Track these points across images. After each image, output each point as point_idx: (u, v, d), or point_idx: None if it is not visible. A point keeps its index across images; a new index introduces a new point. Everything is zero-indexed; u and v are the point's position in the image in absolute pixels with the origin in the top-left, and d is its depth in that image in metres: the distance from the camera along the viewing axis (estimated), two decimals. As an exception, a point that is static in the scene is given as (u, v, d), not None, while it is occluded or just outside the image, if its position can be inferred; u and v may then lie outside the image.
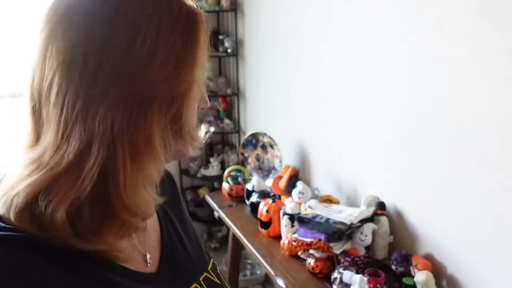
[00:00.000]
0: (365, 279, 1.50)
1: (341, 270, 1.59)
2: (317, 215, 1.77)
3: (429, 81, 1.56)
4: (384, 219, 1.79)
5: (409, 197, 1.75)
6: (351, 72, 1.97)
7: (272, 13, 2.60)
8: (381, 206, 1.82)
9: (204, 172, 3.43)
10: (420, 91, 1.62)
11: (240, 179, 2.49)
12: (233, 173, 2.52)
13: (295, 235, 1.81)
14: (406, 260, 1.66)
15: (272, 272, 1.81)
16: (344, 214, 1.76)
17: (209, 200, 2.54)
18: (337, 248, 1.70)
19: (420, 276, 1.55)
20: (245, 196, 2.39)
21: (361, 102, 1.94)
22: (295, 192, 2.04)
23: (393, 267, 1.68)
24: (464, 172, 1.47)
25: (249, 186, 2.37)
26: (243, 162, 2.69)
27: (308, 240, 1.74)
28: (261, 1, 2.71)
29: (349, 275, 1.52)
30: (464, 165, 1.47)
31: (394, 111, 1.76)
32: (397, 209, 1.82)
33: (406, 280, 1.62)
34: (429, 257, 1.67)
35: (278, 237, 2.04)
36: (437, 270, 1.63)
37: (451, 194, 1.54)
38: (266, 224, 2.08)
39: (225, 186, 2.50)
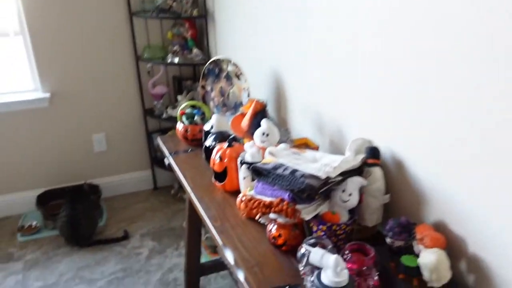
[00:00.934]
0: (342, 261, 0.99)
1: (307, 246, 1.07)
2: (280, 165, 1.24)
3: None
4: (377, 172, 1.26)
5: (413, 140, 1.20)
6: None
7: None
8: (373, 153, 1.28)
9: (171, 112, 2.89)
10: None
11: (197, 118, 1.94)
12: (188, 111, 1.97)
13: (252, 192, 1.29)
14: (407, 230, 1.14)
15: (219, 240, 1.31)
16: (318, 164, 1.22)
17: (161, 144, 2.01)
18: (306, 212, 1.18)
19: (427, 256, 1.04)
20: (202, 139, 1.86)
21: (348, 19, 1.35)
22: (257, 133, 1.50)
23: (388, 240, 1.16)
24: (498, 99, 0.92)
25: (207, 127, 1.83)
26: (204, 97, 2.13)
27: (267, 199, 1.22)
28: None
29: (319, 254, 1.01)
30: (493, 88, 0.91)
31: (389, 26, 1.18)
32: (396, 157, 1.28)
33: (406, 260, 1.11)
34: (441, 228, 1.15)
35: (238, 193, 1.52)
36: (452, 247, 1.12)
37: (476, 133, 0.99)
38: (220, 176, 1.56)
39: (179, 126, 1.96)
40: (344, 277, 0.99)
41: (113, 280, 2.32)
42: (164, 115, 2.89)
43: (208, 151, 1.69)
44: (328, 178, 1.17)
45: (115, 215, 2.91)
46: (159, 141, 2.03)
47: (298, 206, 1.17)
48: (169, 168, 1.95)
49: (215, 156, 1.55)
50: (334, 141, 1.54)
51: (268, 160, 1.28)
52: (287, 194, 1.17)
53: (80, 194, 2.71)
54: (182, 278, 2.28)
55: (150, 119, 3.04)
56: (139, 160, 3.18)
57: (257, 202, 1.23)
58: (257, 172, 1.26)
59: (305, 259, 1.09)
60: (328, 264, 0.99)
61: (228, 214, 1.44)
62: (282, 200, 1.18)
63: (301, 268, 1.11)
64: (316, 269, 1.09)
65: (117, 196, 3.14)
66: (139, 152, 3.17)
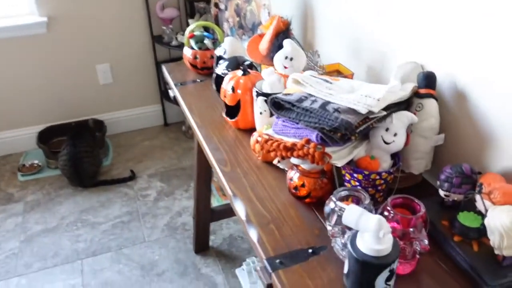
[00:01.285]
0: (386, 223, 0.74)
1: (338, 200, 0.82)
2: (307, 97, 0.96)
3: None
4: (432, 105, 0.98)
5: (483, 66, 0.90)
6: None
7: None
8: (428, 80, 0.99)
9: (182, 39, 2.58)
10: None
11: (208, 42, 1.65)
12: (197, 33, 1.67)
13: (270, 131, 1.03)
14: (470, 182, 0.87)
15: (228, 190, 1.07)
16: (356, 95, 0.94)
17: (165, 73, 1.74)
18: (339, 157, 0.92)
19: (498, 216, 0.78)
20: (214, 66, 1.58)
21: None
22: (278, 57, 1.21)
23: (443, 192, 0.90)
24: None
25: (219, 52, 1.54)
26: (216, 18, 1.82)
27: (289, 140, 0.96)
28: None
29: (355, 213, 0.75)
30: None
31: None
32: (458, 86, 0.99)
33: (464, 219, 0.86)
34: (516, 180, 0.88)
35: (252, 132, 1.27)
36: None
37: None
38: (232, 110, 1.30)
39: (187, 52, 1.67)
40: (388, 244, 0.74)
41: (117, 224, 2.15)
42: (174, 42, 2.59)
43: (220, 80, 1.42)
44: (369, 113, 0.89)
45: (121, 153, 2.71)
46: (164, 70, 1.76)
47: (328, 149, 0.91)
48: (175, 101, 1.69)
49: (227, 86, 1.28)
50: (373, 67, 1.24)
51: (292, 90, 1.01)
52: (315, 134, 0.90)
53: (84, 131, 2.50)
54: (191, 223, 2.10)
55: (159, 47, 2.75)
56: (147, 93, 2.92)
57: (276, 144, 0.97)
58: (277, 106, 0.99)
59: (335, 217, 0.85)
60: (367, 227, 0.74)
61: (240, 157, 1.19)
62: (308, 142, 0.92)
63: (329, 227, 0.87)
64: (348, 229, 0.85)
65: (124, 133, 2.91)
66: (147, 84, 2.90)
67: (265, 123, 1.20)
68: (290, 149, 0.96)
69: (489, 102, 0.91)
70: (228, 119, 1.32)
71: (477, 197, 0.85)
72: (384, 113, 0.91)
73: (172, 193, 2.35)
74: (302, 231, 0.94)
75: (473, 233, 0.85)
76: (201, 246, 1.98)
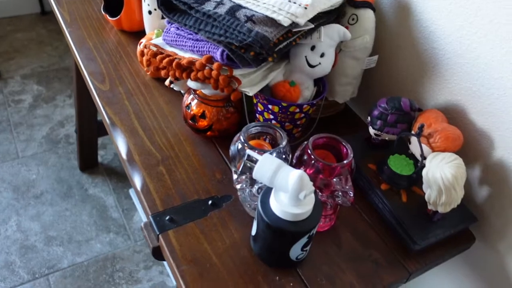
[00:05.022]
0: (308, 181, 0.56)
1: (249, 150, 0.62)
2: (209, -6, 0.70)
3: None
4: (368, 17, 0.77)
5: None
6: None
7: None
8: (366, -16, 0.77)
9: None
10: None
11: None
12: None
13: (159, 41, 0.76)
14: (407, 119, 0.71)
15: (106, 117, 0.81)
16: (277, -2, 0.69)
17: None
18: (250, 83, 0.70)
19: (439, 168, 0.63)
20: None
21: None
22: None
23: (373, 131, 0.74)
24: None
25: None
26: None
27: (184, 56, 0.71)
28: None
29: (269, 167, 0.56)
30: None
31: None
32: (400, -5, 0.79)
33: (394, 164, 0.72)
34: (454, 116, 0.73)
35: (140, 35, 0.98)
36: (468, 149, 0.73)
37: None
38: (113, 5, 0.98)
39: None
40: (309, 206, 0.58)
41: (-19, 136, 1.78)
42: None
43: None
44: (293, 25, 0.67)
45: (-14, 46, 2.22)
46: None
47: (236, 72, 0.68)
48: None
49: (102, -29, 0.95)
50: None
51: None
52: (220, 50, 0.66)
53: None
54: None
55: None
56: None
57: (166, 60, 0.72)
58: (169, 5, 0.71)
59: (242, 162, 0.65)
60: (284, 185, 0.56)
61: (123, 71, 0.92)
62: (210, 60, 0.68)
63: (234, 175, 0.67)
64: (254, 182, 0.67)
65: (-11, 21, 2.38)
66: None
67: (156, 26, 0.92)
68: (186, 69, 0.71)
69: (436, 16, 0.72)
70: (107, 17, 1.01)
71: (413, 139, 0.70)
72: (312, 25, 0.69)
73: (52, 99, 1.98)
74: (200, 175, 0.74)
75: (404, 181, 0.71)
76: (88, 162, 1.72)
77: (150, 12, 0.91)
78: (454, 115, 0.73)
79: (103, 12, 1.01)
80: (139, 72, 0.92)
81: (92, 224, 1.55)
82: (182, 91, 0.85)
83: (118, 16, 0.98)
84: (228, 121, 0.78)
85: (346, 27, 0.77)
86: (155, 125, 0.81)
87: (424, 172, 0.64)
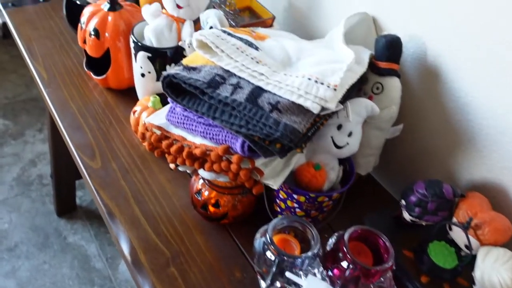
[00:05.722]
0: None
1: (289, 273, 0.53)
2: (223, 76, 0.60)
3: None
4: (394, 85, 0.70)
5: (461, 33, 0.64)
6: None
7: None
8: (391, 50, 0.69)
9: None
10: None
11: None
12: None
13: (162, 121, 0.66)
14: (448, 206, 0.64)
15: (101, 204, 0.71)
16: (300, 76, 0.60)
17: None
18: (273, 173, 0.61)
19: (494, 270, 0.57)
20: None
21: None
22: (167, -11, 0.80)
23: (410, 217, 0.66)
24: None
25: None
26: None
27: (194, 142, 0.62)
28: None
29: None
30: None
31: None
32: (428, 60, 0.71)
33: (435, 254, 0.65)
34: (496, 199, 0.67)
35: (130, 92, 0.88)
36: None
37: None
38: (97, 63, 0.87)
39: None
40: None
41: None
42: None
43: (74, 8, 0.95)
44: (322, 109, 0.58)
45: None
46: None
47: (258, 162, 0.60)
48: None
49: (87, 26, 0.84)
50: (297, 6, 0.90)
51: (197, 60, 0.63)
52: (240, 141, 0.57)
53: None
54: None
55: None
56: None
57: (175, 148, 0.62)
58: (175, 87, 0.62)
59: (273, 268, 0.57)
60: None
61: (114, 140, 0.81)
62: (227, 151, 0.59)
63: (262, 282, 0.59)
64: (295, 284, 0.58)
65: None
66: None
67: (150, 90, 0.82)
68: (199, 159, 0.62)
69: (468, 86, 0.66)
70: (92, 75, 0.90)
71: (455, 229, 0.63)
72: (341, 107, 0.61)
73: (21, 134, 1.83)
74: (216, 273, 0.64)
75: (447, 274, 0.65)
76: (66, 206, 1.58)
77: (143, 75, 0.80)
78: (494, 194, 0.67)
79: (86, 70, 0.90)
80: (133, 141, 0.81)
81: (74, 277, 1.43)
82: (188, 171, 0.75)
83: (104, 75, 0.87)
84: (243, 205, 0.69)
85: (370, 97, 0.70)
86: (159, 210, 0.71)
87: (477, 274, 0.58)
